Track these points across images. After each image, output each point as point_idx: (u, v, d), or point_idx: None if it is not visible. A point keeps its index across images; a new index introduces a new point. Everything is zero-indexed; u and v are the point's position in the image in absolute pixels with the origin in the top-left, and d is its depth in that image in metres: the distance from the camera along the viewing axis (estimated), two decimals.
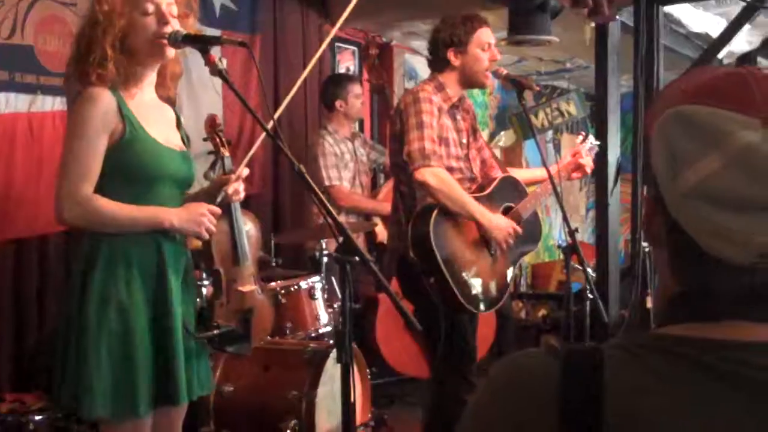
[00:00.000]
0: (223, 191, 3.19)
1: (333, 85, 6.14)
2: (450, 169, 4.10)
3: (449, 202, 3.97)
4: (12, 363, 4.55)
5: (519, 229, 4.19)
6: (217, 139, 3.51)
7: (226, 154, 3.51)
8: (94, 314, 2.81)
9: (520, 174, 4.64)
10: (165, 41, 2.90)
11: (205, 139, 3.61)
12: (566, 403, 1.07)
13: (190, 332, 3.01)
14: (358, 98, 6.13)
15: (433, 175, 3.94)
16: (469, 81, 4.25)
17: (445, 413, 4.08)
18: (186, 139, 3.18)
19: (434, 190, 3.95)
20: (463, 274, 4.01)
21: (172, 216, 2.91)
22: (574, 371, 1.10)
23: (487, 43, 4.20)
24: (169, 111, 3.14)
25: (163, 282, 2.92)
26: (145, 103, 2.97)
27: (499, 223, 4.11)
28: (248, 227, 3.76)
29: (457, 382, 4.06)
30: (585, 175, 4.69)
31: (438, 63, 4.26)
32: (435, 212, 3.95)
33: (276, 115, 3.14)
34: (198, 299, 3.26)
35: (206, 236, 3.01)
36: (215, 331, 3.16)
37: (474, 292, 4.05)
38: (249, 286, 3.64)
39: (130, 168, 2.88)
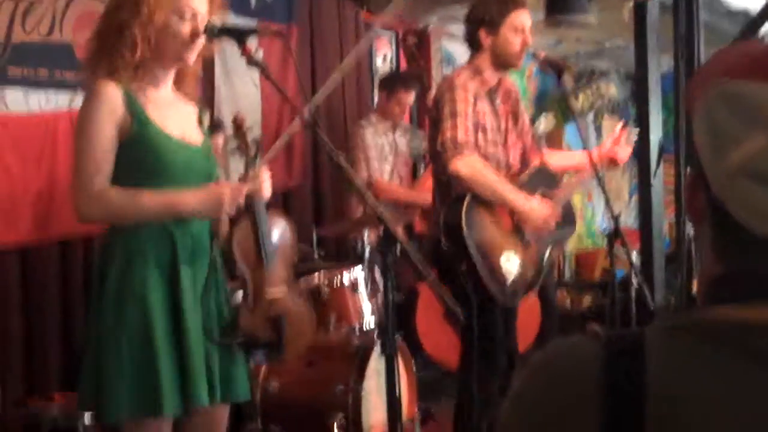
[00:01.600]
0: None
1: (390, 79, 6.17)
2: (486, 156, 4.06)
3: (483, 190, 3.93)
4: (61, 363, 4.58)
5: (558, 212, 4.15)
6: (243, 139, 3.47)
7: (252, 153, 3.48)
8: (111, 311, 2.78)
9: (556, 157, 4.58)
10: (192, 49, 2.89)
11: (233, 137, 3.58)
12: (609, 389, 1.06)
13: (210, 337, 2.95)
14: (398, 105, 6.09)
15: (465, 165, 3.90)
16: (501, 63, 4.17)
17: (468, 402, 4.05)
18: (207, 136, 3.13)
19: (467, 180, 3.91)
20: (495, 262, 3.97)
21: (189, 198, 2.84)
22: (617, 356, 1.08)
23: (521, 26, 4.11)
24: (188, 108, 3.09)
25: (176, 279, 2.87)
26: (161, 99, 2.94)
27: (536, 208, 4.06)
28: (280, 230, 3.71)
29: (482, 371, 4.02)
30: (618, 165, 4.58)
31: (473, 44, 4.20)
32: (467, 200, 3.91)
33: (315, 101, 3.08)
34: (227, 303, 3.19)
35: (230, 214, 2.93)
36: (237, 340, 3.09)
37: (506, 278, 4.00)
38: (279, 291, 3.56)
39: (141, 162, 2.85)
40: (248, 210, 3.36)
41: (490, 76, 4.15)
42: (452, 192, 4.07)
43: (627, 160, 4.56)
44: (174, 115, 2.97)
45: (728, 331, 1.05)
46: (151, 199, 2.81)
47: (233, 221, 3.24)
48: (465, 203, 3.91)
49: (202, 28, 2.88)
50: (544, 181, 4.27)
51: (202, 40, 2.90)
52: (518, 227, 4.09)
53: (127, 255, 2.83)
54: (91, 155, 2.79)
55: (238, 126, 3.54)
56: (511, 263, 4.03)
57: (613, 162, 4.46)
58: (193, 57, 2.93)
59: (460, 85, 4.02)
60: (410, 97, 6.18)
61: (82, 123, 2.84)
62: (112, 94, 2.80)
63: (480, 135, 4.06)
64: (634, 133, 4.64)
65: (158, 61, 2.89)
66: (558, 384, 1.11)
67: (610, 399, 1.05)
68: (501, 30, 4.09)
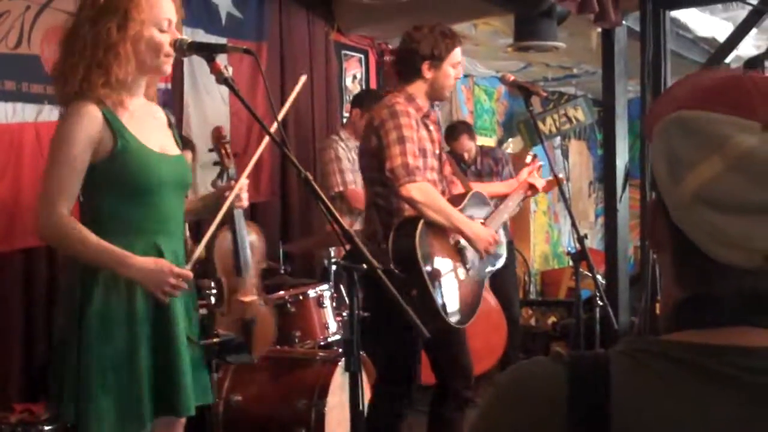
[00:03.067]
0: (229, 199, 3.16)
1: (364, 95, 6.17)
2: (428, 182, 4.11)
3: (436, 215, 3.96)
4: (21, 373, 4.55)
5: (500, 239, 4.25)
6: (223, 151, 3.51)
7: (231, 165, 3.51)
8: (96, 328, 2.77)
9: (484, 189, 4.66)
10: (170, 60, 2.90)
11: (210, 150, 3.61)
12: (573, 410, 1.07)
13: (192, 340, 2.97)
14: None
15: (418, 190, 3.92)
16: (435, 94, 4.22)
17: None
18: (178, 140, 3.13)
19: (421, 205, 3.93)
20: (444, 288, 4.00)
21: (135, 270, 2.79)
22: (581, 378, 1.09)
23: (458, 62, 4.21)
24: (159, 113, 3.10)
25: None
26: (138, 112, 2.93)
27: (482, 233, 4.12)
28: (252, 238, 3.77)
29: (390, 395, 4.10)
30: (537, 192, 4.77)
31: (408, 73, 4.20)
32: (421, 224, 3.93)
33: (280, 116, 3.09)
34: (201, 308, 3.21)
35: (165, 301, 2.84)
36: (215, 340, 3.11)
37: (452, 305, 4.03)
38: (250, 297, 3.63)
39: (125, 180, 2.84)
40: (229, 221, 3.37)
41: (423, 103, 4.18)
42: (393, 217, 4.07)
43: (544, 188, 4.74)
44: (151, 127, 2.98)
45: (690, 354, 1.07)
46: (98, 250, 2.78)
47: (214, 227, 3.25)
48: (418, 229, 3.92)
49: (176, 35, 2.90)
50: (479, 208, 4.34)
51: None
52: (461, 253, 4.14)
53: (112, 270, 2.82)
54: (60, 179, 2.80)
55: (219, 137, 3.57)
56: (453, 290, 4.06)
57: (533, 188, 4.64)
58: (169, 68, 2.96)
59: (403, 112, 4.02)
60: None
61: (56, 142, 2.83)
62: (91, 116, 2.79)
63: (421, 160, 4.08)
64: (539, 167, 4.78)
65: (140, 73, 2.90)
66: (523, 406, 1.12)
67: (574, 421, 1.06)
68: (443, 65, 4.14)
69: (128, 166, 2.83)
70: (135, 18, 2.79)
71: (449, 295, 4.01)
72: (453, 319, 4.01)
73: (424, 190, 3.94)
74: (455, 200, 4.24)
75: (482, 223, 4.27)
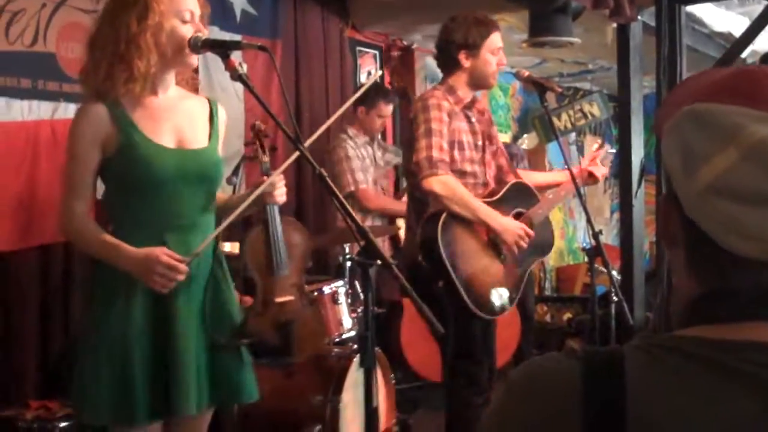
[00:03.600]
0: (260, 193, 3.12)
1: (368, 91, 6.11)
2: (463, 173, 4.10)
3: (458, 208, 3.97)
4: (37, 370, 4.56)
5: (531, 232, 4.18)
6: (259, 145, 3.49)
7: (266, 159, 3.50)
8: (96, 320, 2.83)
9: (533, 178, 4.63)
10: (195, 51, 2.89)
11: (247, 144, 3.59)
12: (588, 406, 1.07)
13: (215, 340, 2.97)
14: (380, 117, 6.09)
15: (439, 183, 3.94)
16: (477, 83, 4.26)
17: (456, 417, 4.07)
18: (216, 131, 3.11)
19: (442, 198, 3.95)
20: (472, 279, 3.99)
21: (125, 260, 2.80)
22: (595, 374, 1.09)
23: (497, 48, 4.23)
24: (195, 105, 3.08)
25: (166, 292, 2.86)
26: (157, 106, 2.93)
27: (509, 225, 4.09)
28: (294, 237, 3.72)
29: (464, 386, 4.05)
30: (597, 182, 4.64)
31: (448, 64, 4.25)
32: (443, 216, 3.95)
33: (312, 138, 3.08)
34: (234, 302, 3.18)
35: (161, 290, 2.82)
36: (244, 341, 3.09)
37: (483, 296, 4.02)
38: (286, 297, 3.58)
39: (131, 175, 2.86)
40: (262, 216, 3.35)
41: (465, 94, 4.21)
42: (426, 209, 4.09)
43: (605, 176, 4.61)
44: (172, 120, 2.96)
45: (706, 350, 1.07)
46: (98, 244, 2.85)
47: (247, 225, 3.23)
48: (441, 220, 3.94)
49: (200, 26, 2.90)
50: (521, 199, 4.31)
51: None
52: (495, 244, 4.12)
53: (113, 267, 2.84)
54: (72, 179, 2.88)
55: (257, 132, 3.57)
56: (485, 280, 4.05)
57: (592, 177, 4.51)
58: (196, 59, 2.96)
59: (435, 105, 4.06)
60: (390, 109, 6.19)
61: (68, 145, 2.90)
62: (94, 114, 2.83)
63: (457, 152, 4.10)
64: (610, 154, 4.69)
65: (164, 67, 2.90)
66: (537, 401, 1.11)
67: (589, 417, 1.06)
68: (481, 52, 4.16)
69: (132, 161, 2.84)
70: (155, 9, 2.79)
71: (479, 286, 4.00)
72: (485, 310, 4.00)
73: (446, 183, 3.95)
74: (495, 191, 4.23)
75: (521, 214, 4.25)
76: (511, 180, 4.41)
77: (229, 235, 4.12)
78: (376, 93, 6.11)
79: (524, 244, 4.14)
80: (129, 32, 2.78)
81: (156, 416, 2.86)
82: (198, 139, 3.02)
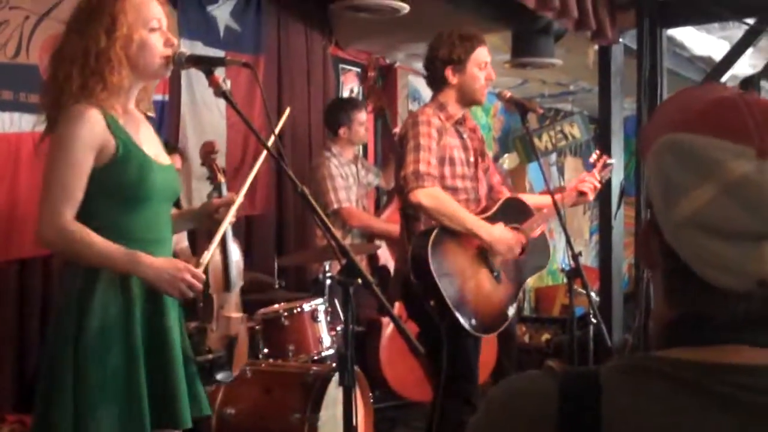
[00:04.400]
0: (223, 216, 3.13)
1: (337, 111, 6.11)
2: (455, 189, 4.08)
3: (447, 221, 3.95)
4: (14, 384, 4.53)
5: (523, 240, 4.16)
6: (213, 166, 3.52)
7: (222, 180, 3.51)
8: (96, 339, 2.72)
9: (526, 200, 4.61)
10: (168, 61, 2.87)
11: (202, 164, 3.62)
12: (563, 425, 1.08)
13: (188, 355, 2.95)
14: (362, 125, 6.11)
15: (426, 195, 3.92)
16: (467, 99, 4.24)
17: None
18: (165, 148, 3.10)
19: (429, 210, 3.94)
20: (463, 296, 3.98)
21: (149, 268, 2.76)
22: (572, 393, 1.10)
23: (484, 62, 4.20)
24: (147, 123, 3.05)
25: (159, 299, 2.84)
26: (134, 119, 2.91)
27: (500, 235, 4.06)
28: (237, 254, 3.77)
29: (458, 405, 4.03)
30: (588, 200, 4.61)
31: (436, 81, 4.25)
32: (434, 233, 3.93)
33: (276, 130, 3.07)
34: (190, 323, 3.19)
35: (180, 299, 2.84)
36: (210, 356, 3.09)
37: (475, 313, 4.01)
38: (236, 313, 3.64)
39: (124, 187, 2.80)
40: (221, 238, 3.36)
41: (455, 110, 4.20)
42: (417, 227, 4.09)
43: (597, 189, 4.56)
44: (147, 135, 2.95)
45: (685, 371, 1.08)
46: (108, 251, 2.73)
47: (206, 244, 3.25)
48: (431, 237, 3.92)
49: (170, 35, 2.87)
50: (515, 215, 4.28)
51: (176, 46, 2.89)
52: (486, 259, 4.11)
53: (111, 279, 2.77)
54: (64, 183, 2.73)
55: (208, 153, 3.57)
56: (476, 298, 4.04)
57: (583, 195, 4.47)
58: (169, 68, 2.91)
59: (424, 121, 4.05)
60: (364, 114, 6.20)
61: (58, 147, 2.75)
62: (94, 120, 2.74)
63: (447, 168, 4.09)
64: (609, 164, 4.67)
65: (136, 78, 2.86)
66: (514, 420, 1.12)
67: None
68: (467, 67, 4.15)
69: (128, 173, 2.79)
70: (122, 21, 2.76)
71: (471, 303, 3.99)
72: (475, 328, 3.99)
73: (433, 195, 3.94)
74: (487, 207, 4.22)
75: (515, 227, 4.20)
76: (500, 196, 4.40)
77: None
78: (345, 108, 6.12)
79: (517, 252, 4.13)
80: (98, 46, 2.74)
81: (155, 429, 2.82)
82: (163, 155, 3.01)
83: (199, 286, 2.81)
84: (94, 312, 2.74)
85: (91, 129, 2.74)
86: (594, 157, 4.64)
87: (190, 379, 2.98)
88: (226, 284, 3.57)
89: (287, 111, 3.53)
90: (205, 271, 3.12)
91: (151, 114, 3.11)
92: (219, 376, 3.34)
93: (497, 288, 4.14)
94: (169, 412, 2.84)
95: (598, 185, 4.56)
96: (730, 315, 1.09)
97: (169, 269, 2.77)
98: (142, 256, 2.76)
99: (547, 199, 4.43)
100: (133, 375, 2.76)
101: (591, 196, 4.51)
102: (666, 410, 1.06)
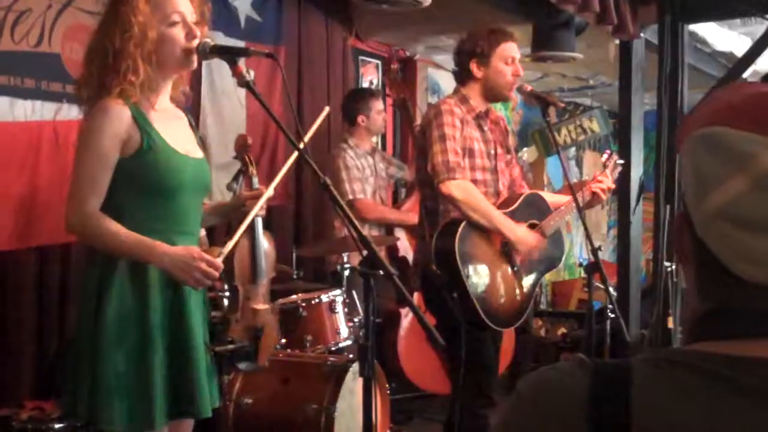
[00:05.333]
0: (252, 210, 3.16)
1: (355, 101, 6.11)
2: (474, 182, 4.07)
3: (475, 215, 3.95)
4: (33, 371, 4.56)
5: (545, 243, 4.17)
6: (246, 159, 3.54)
7: (254, 173, 3.53)
8: (112, 326, 2.77)
9: (545, 197, 4.60)
10: (193, 53, 2.89)
11: (234, 158, 3.65)
12: (595, 418, 1.07)
13: (206, 345, 2.97)
14: (380, 114, 6.11)
15: (458, 188, 3.93)
16: (492, 94, 4.23)
17: (463, 429, 4.06)
18: (201, 142, 3.14)
19: (460, 203, 3.94)
20: (486, 290, 3.98)
21: (164, 257, 2.79)
22: (603, 386, 1.09)
23: (510, 57, 4.18)
24: (181, 116, 3.10)
25: (180, 290, 2.87)
26: (164, 113, 2.94)
27: (525, 237, 4.08)
28: (266, 246, 3.79)
29: (475, 398, 4.04)
30: (600, 202, 4.55)
31: (462, 75, 4.25)
32: (462, 226, 3.93)
33: (314, 128, 3.10)
34: (213, 313, 3.21)
35: (196, 288, 2.86)
36: (230, 346, 3.11)
37: (495, 307, 4.01)
38: (262, 305, 3.66)
39: (149, 179, 2.84)
40: (249, 228, 3.38)
41: (477, 104, 4.19)
42: (440, 219, 4.09)
43: (610, 189, 4.54)
44: (177, 129, 2.98)
45: (714, 365, 1.07)
46: (128, 241, 2.78)
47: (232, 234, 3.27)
48: (458, 231, 3.92)
49: (192, 27, 2.87)
50: (534, 210, 4.28)
51: (199, 39, 2.90)
52: (508, 255, 4.11)
53: (129, 269, 2.82)
54: (91, 175, 2.81)
55: (243, 146, 3.60)
56: (498, 292, 4.04)
57: (596, 197, 4.43)
58: (195, 61, 2.92)
59: (447, 110, 4.05)
60: (382, 103, 6.21)
61: (85, 140, 2.83)
62: (119, 113, 2.78)
63: (467, 160, 4.09)
64: (618, 164, 4.65)
65: (162, 73, 2.89)
66: (544, 412, 1.11)
67: (596, 428, 1.06)
68: (492, 61, 4.15)
69: (153, 165, 2.83)
70: (133, 22, 2.77)
71: (492, 297, 4.00)
72: (496, 322, 3.99)
73: (464, 188, 3.95)
74: (509, 201, 4.22)
75: (534, 224, 4.22)
76: (522, 192, 4.39)
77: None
78: (363, 96, 6.13)
79: (536, 255, 4.14)
80: (114, 46, 2.78)
81: (170, 419, 2.86)
82: (195, 149, 3.04)
83: (215, 274, 2.83)
84: (111, 299, 2.79)
85: (116, 122, 2.79)
86: (605, 157, 4.63)
87: (207, 369, 3.00)
88: (254, 276, 3.58)
89: (326, 110, 3.55)
90: (229, 261, 3.15)
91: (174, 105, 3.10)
92: (241, 366, 3.37)
93: (517, 283, 4.15)
94: (188, 401, 2.87)
95: (612, 185, 4.55)
96: (760, 308, 1.08)
97: (185, 258, 2.80)
98: (159, 245, 2.80)
99: (562, 198, 4.44)
100: (146, 364, 2.78)
101: (604, 197, 4.48)
102: (694, 403, 1.05)
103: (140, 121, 2.82)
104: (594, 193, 4.39)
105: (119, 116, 2.79)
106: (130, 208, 2.85)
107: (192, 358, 2.87)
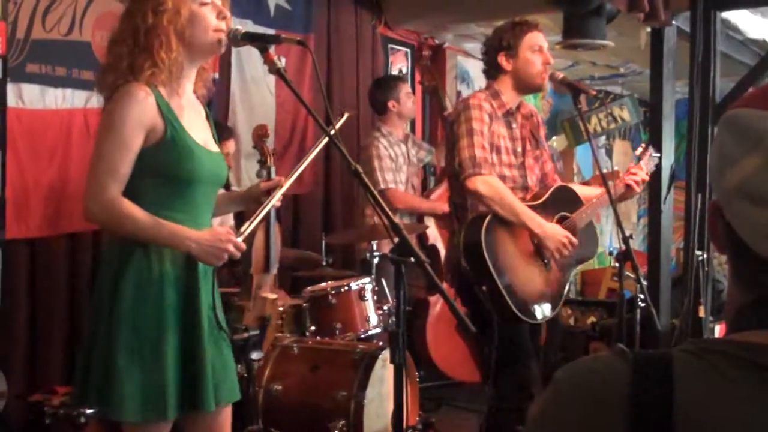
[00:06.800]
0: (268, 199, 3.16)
1: (383, 87, 6.11)
2: (501, 177, 4.06)
3: (501, 210, 3.93)
4: (64, 356, 4.59)
5: (574, 240, 4.11)
6: (264, 149, 3.55)
7: (271, 163, 3.54)
8: (126, 318, 2.76)
9: (576, 189, 4.57)
10: (222, 35, 2.88)
11: (254, 147, 3.66)
12: (637, 408, 1.06)
13: (225, 332, 2.97)
14: (409, 97, 6.11)
15: (484, 183, 3.91)
16: (524, 85, 4.21)
17: (501, 421, 4.06)
18: (215, 135, 3.12)
19: (486, 199, 3.92)
20: (516, 283, 3.96)
21: (192, 241, 2.79)
22: (645, 376, 1.08)
23: (538, 46, 4.16)
24: (201, 108, 3.08)
25: (193, 283, 2.87)
26: (185, 103, 2.93)
27: (553, 232, 4.05)
28: (276, 238, 3.82)
29: (512, 390, 4.02)
30: (634, 194, 4.49)
31: (492, 70, 4.24)
32: (487, 220, 3.91)
33: (335, 127, 3.09)
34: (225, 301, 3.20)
35: (218, 265, 2.88)
36: (245, 335, 3.12)
37: (527, 301, 3.99)
38: (272, 294, 3.67)
39: (168, 169, 2.83)
40: (265, 219, 3.39)
41: (510, 99, 4.17)
42: (467, 213, 4.08)
43: (644, 181, 4.50)
44: (196, 120, 2.97)
45: (755, 355, 1.06)
46: (153, 225, 2.77)
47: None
48: (485, 224, 3.91)
49: (223, 8, 2.87)
50: (565, 204, 4.25)
51: (229, 21, 2.89)
52: (539, 249, 4.09)
53: (144, 259, 2.80)
54: (111, 160, 2.77)
55: (260, 135, 3.61)
56: (529, 285, 4.02)
57: (629, 189, 4.38)
58: (224, 44, 2.91)
59: (476, 105, 4.04)
60: (409, 87, 6.22)
61: (108, 124, 2.80)
62: (144, 99, 2.77)
63: (494, 156, 4.07)
64: (654, 157, 4.62)
65: (190, 55, 2.88)
66: (584, 401, 1.10)
67: (636, 419, 1.05)
68: (520, 52, 4.13)
69: (174, 155, 2.82)
70: None
71: (522, 291, 3.98)
72: (528, 315, 3.98)
73: (490, 183, 3.93)
74: (538, 195, 4.20)
75: (566, 218, 4.19)
76: (554, 184, 4.36)
77: None
78: (388, 83, 6.13)
79: (566, 252, 4.09)
80: (147, 24, 2.77)
81: (181, 410, 2.85)
82: (212, 143, 3.04)
83: (238, 254, 2.85)
84: (127, 287, 2.78)
85: (143, 109, 2.77)
86: (640, 150, 4.60)
87: (225, 361, 3.00)
88: (266, 265, 3.60)
89: (345, 116, 3.59)
90: (248, 248, 3.15)
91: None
92: (254, 355, 3.38)
93: (548, 275, 4.12)
94: (195, 396, 2.85)
95: (646, 177, 4.51)
96: None
97: (211, 240, 2.81)
98: (186, 230, 2.81)
99: (594, 191, 4.41)
100: (159, 353, 2.78)
101: (638, 189, 4.43)
102: (738, 394, 1.04)
103: (164, 109, 2.81)
104: (628, 185, 4.35)
105: (145, 103, 2.77)
106: (148, 196, 2.82)
107: (201, 348, 2.85)
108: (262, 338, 3.55)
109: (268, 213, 3.50)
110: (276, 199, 3.19)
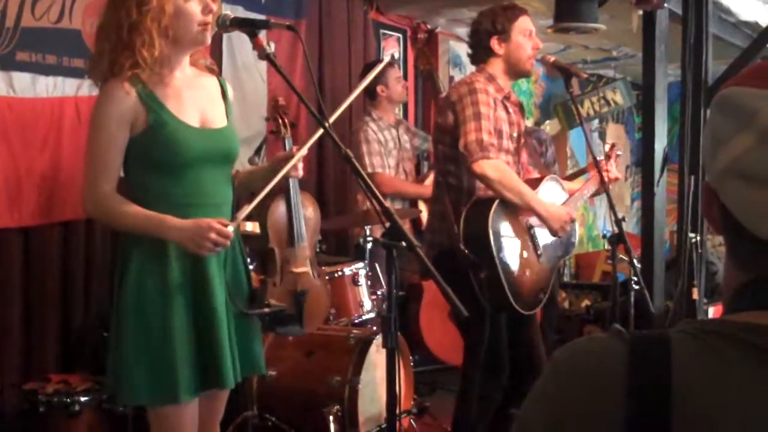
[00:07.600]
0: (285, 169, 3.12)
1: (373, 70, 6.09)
2: None
3: (509, 193, 3.92)
4: (58, 344, 4.60)
5: (574, 216, 4.17)
6: (280, 120, 3.52)
7: (288, 135, 3.52)
8: (131, 300, 2.81)
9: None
10: (208, 28, 2.86)
11: (267, 119, 3.62)
12: (633, 388, 1.06)
13: (239, 308, 2.98)
14: (398, 81, 6.11)
15: (492, 167, 3.90)
16: (514, 69, 4.21)
17: (470, 408, 4.07)
18: (230, 110, 3.11)
19: (494, 182, 3.90)
20: (514, 271, 3.97)
21: (175, 231, 2.80)
22: (642, 357, 1.08)
23: (528, 31, 4.17)
24: (210, 83, 3.07)
25: (200, 260, 2.87)
26: (179, 86, 2.92)
27: (557, 212, 4.07)
28: (309, 210, 3.78)
29: (484, 378, 4.05)
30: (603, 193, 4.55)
31: (481, 53, 4.21)
32: (494, 207, 3.91)
33: (334, 116, 3.06)
34: (250, 277, 3.19)
35: (208, 255, 2.86)
36: (266, 310, 3.10)
37: (520, 290, 4.00)
38: (303, 268, 3.64)
39: (155, 155, 2.85)
40: (284, 191, 3.36)
41: (504, 84, 4.17)
42: (463, 197, 4.06)
43: (617, 179, 4.58)
44: (194, 100, 2.96)
45: (752, 335, 1.06)
46: (138, 218, 2.82)
47: (269, 197, 3.25)
48: (491, 211, 3.91)
49: (209, 1, 2.85)
50: (556, 193, 4.29)
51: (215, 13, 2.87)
52: (534, 238, 4.11)
53: (148, 242, 2.84)
54: (100, 157, 2.85)
55: (277, 107, 3.59)
56: (524, 275, 4.03)
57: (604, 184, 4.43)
58: (209, 36, 2.91)
59: (482, 89, 4.02)
60: (398, 71, 6.24)
61: (93, 123, 2.87)
62: (122, 94, 2.80)
63: (496, 140, 4.07)
64: (619, 156, 4.69)
65: (176, 49, 2.88)
66: (582, 381, 1.10)
67: (634, 399, 1.05)
68: (512, 36, 4.13)
69: (160, 141, 2.84)
70: None
71: (519, 280, 3.99)
72: (520, 304, 3.99)
73: (498, 167, 3.92)
74: (532, 183, 4.20)
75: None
76: (529, 176, 4.38)
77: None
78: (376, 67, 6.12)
79: (567, 231, 4.15)
80: (130, 19, 2.77)
81: (197, 391, 2.88)
82: (218, 118, 3.03)
83: (227, 243, 2.82)
84: (131, 273, 2.83)
85: (119, 103, 2.81)
86: (607, 147, 4.66)
87: (244, 335, 3.01)
88: (291, 238, 3.57)
89: (384, 61, 3.53)
90: (265, 225, 3.10)
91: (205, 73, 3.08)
92: (281, 330, 3.36)
93: (540, 266, 4.14)
94: (212, 373, 2.88)
95: (618, 175, 4.62)
96: None
97: (193, 229, 2.79)
98: (168, 219, 2.82)
99: (574, 185, 4.46)
100: (167, 336, 2.80)
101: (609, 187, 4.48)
102: (735, 374, 1.04)
103: (147, 97, 2.83)
104: (601, 183, 4.39)
105: (123, 98, 2.80)
106: (146, 184, 2.88)
107: (214, 328, 2.87)
108: (298, 313, 3.52)
109: (287, 185, 3.47)
110: (286, 170, 3.08)
